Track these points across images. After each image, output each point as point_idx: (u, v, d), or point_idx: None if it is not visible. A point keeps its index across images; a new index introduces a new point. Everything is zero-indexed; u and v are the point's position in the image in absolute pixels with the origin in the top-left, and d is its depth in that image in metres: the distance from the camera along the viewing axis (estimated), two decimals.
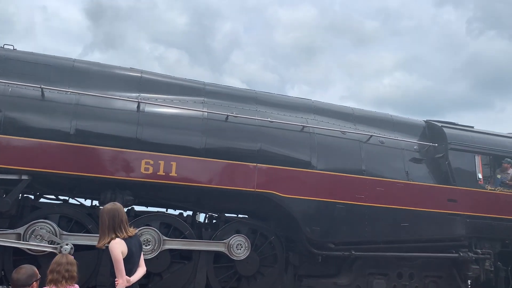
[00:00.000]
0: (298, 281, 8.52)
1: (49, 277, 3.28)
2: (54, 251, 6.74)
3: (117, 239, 3.36)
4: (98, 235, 6.84)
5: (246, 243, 7.85)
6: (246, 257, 7.82)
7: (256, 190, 7.76)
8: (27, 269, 3.20)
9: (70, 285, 3.38)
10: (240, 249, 7.81)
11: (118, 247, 3.30)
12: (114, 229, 3.39)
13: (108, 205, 3.50)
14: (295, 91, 71.99)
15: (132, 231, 3.51)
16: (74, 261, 3.42)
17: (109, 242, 3.35)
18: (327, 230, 8.12)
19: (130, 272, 3.37)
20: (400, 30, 64.77)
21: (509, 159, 9.71)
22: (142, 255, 3.62)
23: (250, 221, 8.44)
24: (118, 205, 3.55)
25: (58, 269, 3.29)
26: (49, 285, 3.27)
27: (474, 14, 60.54)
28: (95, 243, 6.95)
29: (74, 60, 7.90)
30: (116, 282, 3.26)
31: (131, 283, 3.36)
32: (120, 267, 3.26)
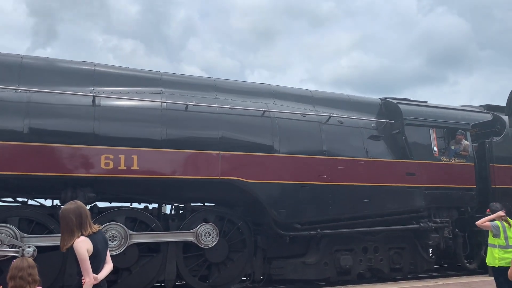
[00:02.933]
0: (267, 263, 8.67)
1: (11, 283, 3.16)
2: (16, 254, 6.53)
3: (82, 237, 3.29)
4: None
5: (214, 231, 7.88)
6: (215, 245, 7.87)
7: (221, 177, 7.78)
8: None
9: None
10: (209, 237, 7.84)
11: (83, 245, 3.23)
12: (81, 227, 3.33)
13: (71, 205, 3.41)
14: (255, 77, 72.10)
15: (96, 227, 3.45)
16: (34, 263, 3.32)
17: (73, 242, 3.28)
18: (292, 212, 8.28)
19: (97, 269, 3.32)
20: (354, 10, 65.75)
21: (461, 131, 10.15)
22: (108, 251, 3.58)
23: (217, 208, 8.46)
24: (79, 203, 3.47)
25: (21, 274, 3.18)
26: None
27: None
28: (59, 243, 6.86)
29: (23, 56, 7.58)
30: (83, 281, 3.21)
31: (99, 281, 3.31)
32: (86, 265, 3.20)
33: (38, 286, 3.30)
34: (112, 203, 8.13)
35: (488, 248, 6.43)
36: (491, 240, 6.36)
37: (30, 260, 3.34)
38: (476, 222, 6.54)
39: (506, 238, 6.22)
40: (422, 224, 9.42)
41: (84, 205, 3.47)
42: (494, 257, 6.27)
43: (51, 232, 7.04)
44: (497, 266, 6.23)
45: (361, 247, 9.26)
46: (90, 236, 3.35)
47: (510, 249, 6.18)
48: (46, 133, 6.97)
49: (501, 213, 6.41)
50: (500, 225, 6.32)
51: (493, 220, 6.39)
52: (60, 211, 3.48)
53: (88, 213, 3.47)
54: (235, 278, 8.39)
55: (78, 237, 3.31)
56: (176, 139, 7.66)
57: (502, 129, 10.77)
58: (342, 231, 8.85)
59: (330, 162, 8.67)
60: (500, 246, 6.24)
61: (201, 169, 7.70)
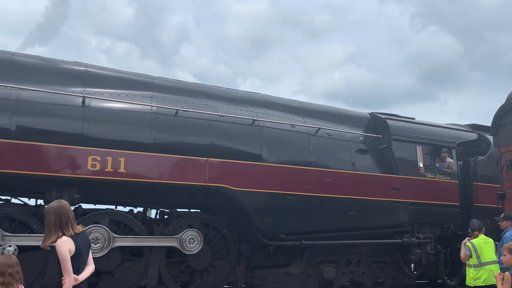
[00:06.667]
0: (250, 272, 8.66)
1: (0, 279, 3.14)
2: None
3: (64, 237, 3.29)
4: (43, 235, 6.77)
5: (198, 237, 7.87)
6: (198, 251, 7.85)
7: (208, 184, 7.79)
8: None
9: (20, 287, 3.27)
10: (193, 243, 7.82)
11: (65, 246, 3.23)
12: (61, 227, 3.31)
13: (54, 203, 3.41)
14: (247, 85, 72.27)
15: (79, 228, 3.44)
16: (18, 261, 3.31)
17: (55, 241, 3.27)
18: (278, 221, 8.30)
19: (78, 270, 3.31)
20: (348, 24, 66.57)
21: (446, 149, 10.30)
22: (90, 253, 3.57)
23: (203, 215, 8.45)
24: (64, 202, 3.46)
25: (10, 271, 3.16)
26: None
27: (417, 10, 63.26)
28: (40, 243, 6.81)
29: (14, 53, 7.54)
30: (63, 281, 3.20)
31: (79, 282, 3.30)
32: (67, 266, 3.19)
33: (21, 285, 3.29)
34: (97, 205, 8.07)
35: (466, 268, 6.58)
36: (468, 261, 6.49)
37: (15, 257, 3.32)
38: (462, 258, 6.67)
39: (478, 257, 6.35)
40: (405, 239, 9.50)
41: (68, 205, 3.46)
42: (470, 276, 6.43)
43: (33, 231, 6.97)
44: (472, 285, 6.37)
45: (344, 259, 9.30)
46: (73, 237, 3.34)
47: (482, 267, 6.29)
48: (34, 131, 6.92)
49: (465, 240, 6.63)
50: (470, 245, 6.45)
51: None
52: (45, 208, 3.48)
53: (71, 213, 3.46)
54: (218, 286, 8.35)
55: (60, 236, 3.30)
56: (165, 143, 7.66)
57: (487, 149, 10.96)
58: (326, 243, 8.88)
59: (317, 173, 8.73)
60: (474, 266, 6.37)
61: (188, 175, 7.70)
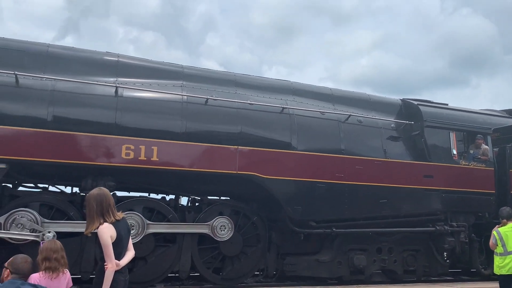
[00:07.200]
0: (281, 259, 8.70)
1: (46, 264, 3.26)
2: (37, 239, 6.69)
3: (105, 224, 3.37)
4: (80, 222, 6.99)
5: (229, 224, 7.94)
6: (229, 238, 7.93)
7: (238, 172, 7.83)
8: (29, 260, 3.19)
9: (65, 271, 3.40)
10: (224, 230, 7.91)
11: (107, 232, 3.31)
12: (102, 214, 3.40)
13: (95, 191, 3.50)
14: (272, 73, 71.91)
15: (119, 215, 3.52)
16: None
17: (97, 228, 3.36)
18: (308, 209, 8.29)
19: (119, 256, 3.40)
20: (376, 9, 65.09)
21: (480, 135, 10.01)
22: (130, 239, 3.66)
23: (233, 202, 8.51)
24: (104, 189, 3.54)
25: (56, 256, 3.29)
26: (47, 272, 3.25)
27: None
28: (77, 230, 7.04)
29: (49, 45, 7.72)
30: (105, 267, 3.29)
31: (121, 267, 3.39)
32: (109, 251, 3.28)
33: (66, 269, 3.41)
34: (130, 192, 8.25)
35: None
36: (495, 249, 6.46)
37: (59, 243, 3.43)
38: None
39: (503, 245, 6.27)
40: (438, 227, 9.34)
41: (108, 193, 3.53)
42: (496, 265, 6.41)
43: (70, 218, 7.19)
44: (498, 274, 6.38)
45: (375, 247, 9.22)
46: (114, 223, 3.42)
47: (508, 255, 6.23)
48: (69, 121, 7.10)
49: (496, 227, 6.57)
50: (496, 234, 6.37)
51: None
52: (86, 196, 3.58)
53: (112, 200, 3.54)
54: (248, 272, 8.45)
55: (102, 223, 3.39)
56: (195, 132, 7.72)
57: None
58: (357, 231, 8.83)
59: (348, 161, 8.65)
60: (500, 254, 6.31)
61: (218, 163, 7.75)
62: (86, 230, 3.46)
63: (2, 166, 6.73)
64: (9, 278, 3.07)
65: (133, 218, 7.32)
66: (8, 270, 3.12)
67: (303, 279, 8.96)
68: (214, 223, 7.87)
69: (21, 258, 3.17)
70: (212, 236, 7.84)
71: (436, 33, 62.19)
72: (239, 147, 7.90)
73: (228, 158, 7.81)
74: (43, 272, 3.27)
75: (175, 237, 7.80)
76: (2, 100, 6.84)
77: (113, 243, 3.33)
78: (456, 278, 10.67)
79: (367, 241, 9.12)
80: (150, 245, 7.56)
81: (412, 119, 9.65)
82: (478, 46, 57.40)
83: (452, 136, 9.84)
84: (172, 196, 8.34)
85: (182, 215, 8.00)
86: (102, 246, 3.31)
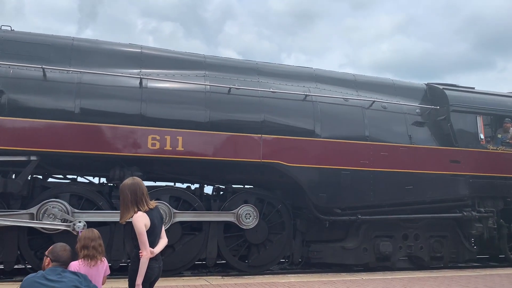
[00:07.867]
0: (306, 246, 8.73)
1: (84, 252, 3.36)
2: (68, 229, 6.88)
3: (139, 213, 3.44)
4: (109, 211, 7.14)
5: (254, 212, 8.00)
6: (255, 226, 8.00)
7: (262, 160, 7.85)
8: (67, 248, 3.28)
9: (103, 259, 3.49)
10: (249, 218, 7.97)
11: (141, 220, 3.38)
12: (137, 203, 3.47)
13: (128, 180, 3.56)
14: (292, 60, 71.39)
15: (152, 203, 3.59)
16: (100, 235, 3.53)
17: (131, 217, 3.43)
18: (333, 196, 8.27)
19: (153, 243, 3.47)
20: None
21: (509, 119, 9.78)
22: (163, 227, 3.72)
23: (257, 190, 8.56)
24: (137, 179, 3.61)
25: (93, 244, 3.38)
26: (85, 260, 3.35)
27: None
28: (107, 219, 7.19)
29: (73, 39, 7.83)
30: (140, 254, 3.37)
31: (155, 254, 3.46)
32: (144, 239, 3.36)
33: (103, 257, 3.50)
34: (156, 182, 8.37)
35: None
36: None
37: (97, 231, 3.52)
38: None
39: None
40: (465, 213, 9.21)
41: (141, 182, 3.60)
42: None
43: (99, 208, 7.35)
44: None
45: (401, 234, 9.16)
46: (148, 212, 3.49)
47: None
48: (96, 113, 7.22)
49: None
50: None
51: None
52: (120, 185, 3.65)
53: (145, 189, 3.60)
54: (274, 260, 8.51)
55: (136, 212, 3.46)
56: (219, 121, 7.76)
57: None
58: (382, 218, 8.78)
59: (373, 147, 8.57)
60: None
61: (243, 152, 7.79)
62: (121, 219, 3.54)
63: (34, 158, 6.91)
64: (50, 266, 3.17)
65: (160, 207, 7.41)
66: (48, 258, 3.22)
67: (328, 266, 8.99)
68: (239, 211, 7.93)
69: (60, 247, 3.27)
70: (238, 224, 7.91)
71: (459, 14, 60.64)
72: (262, 135, 7.91)
73: (252, 147, 7.84)
74: (82, 260, 3.37)
75: (201, 225, 7.91)
76: (32, 94, 7.00)
77: (147, 231, 3.40)
78: (484, 264, 10.53)
79: (393, 227, 9.06)
80: (177, 234, 7.68)
81: (438, 104, 9.49)
82: (503, 27, 55.65)
83: (479, 120, 9.65)
84: (197, 185, 8.43)
85: (208, 203, 8.09)
86: (137, 234, 3.38)
